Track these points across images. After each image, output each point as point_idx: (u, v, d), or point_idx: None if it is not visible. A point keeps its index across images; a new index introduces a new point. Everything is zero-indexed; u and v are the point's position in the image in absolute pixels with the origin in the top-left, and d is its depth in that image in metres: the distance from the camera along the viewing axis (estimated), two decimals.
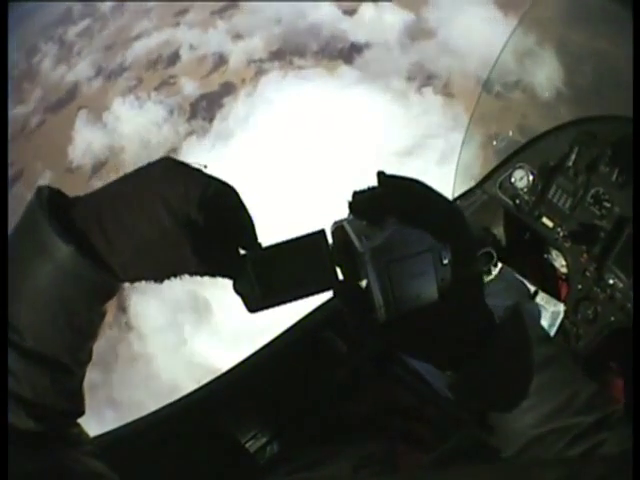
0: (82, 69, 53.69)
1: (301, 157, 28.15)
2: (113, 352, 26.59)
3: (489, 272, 2.69)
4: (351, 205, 1.31)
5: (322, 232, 1.36)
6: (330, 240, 1.37)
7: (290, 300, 1.35)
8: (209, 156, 33.91)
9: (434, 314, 1.25)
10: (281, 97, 34.78)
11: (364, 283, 1.26)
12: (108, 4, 68.15)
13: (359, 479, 1.79)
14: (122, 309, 29.05)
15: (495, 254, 1.32)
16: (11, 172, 44.87)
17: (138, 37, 53.98)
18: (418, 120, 30.12)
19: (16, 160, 46.58)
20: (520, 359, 1.31)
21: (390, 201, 1.28)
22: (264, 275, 1.30)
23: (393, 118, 30.58)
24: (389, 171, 1.32)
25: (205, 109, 40.54)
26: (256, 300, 1.31)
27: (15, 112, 54.42)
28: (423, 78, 34.07)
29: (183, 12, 56.44)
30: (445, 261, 1.24)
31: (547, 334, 1.54)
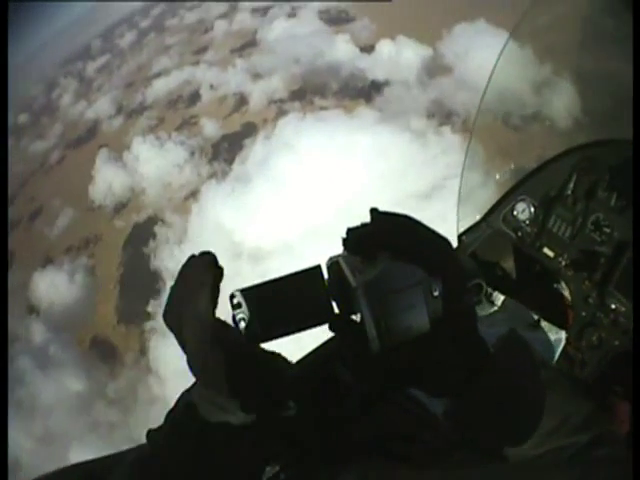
0: (102, 106, 54.38)
1: (319, 201, 28.11)
2: (132, 394, 26.81)
3: (479, 302, 2.64)
4: (345, 242, 1.31)
5: (318, 268, 1.36)
6: (326, 275, 1.38)
7: (287, 333, 1.36)
8: (229, 201, 34.13)
9: (427, 344, 1.25)
10: (299, 140, 35.19)
11: (358, 316, 1.27)
12: (127, 40, 69.19)
13: None
14: (142, 352, 29.21)
15: (485, 285, 1.26)
16: (29, 208, 45.35)
17: (158, 75, 54.72)
18: (437, 161, 30.27)
19: (35, 196, 47.09)
20: (515, 385, 1.30)
21: (382, 237, 1.29)
22: (263, 309, 1.32)
23: (412, 159, 30.66)
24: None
25: (227, 150, 40.94)
26: (255, 333, 1.32)
27: (34, 147, 55.09)
28: (442, 116, 34.15)
29: (202, 50, 57.27)
30: (436, 293, 1.24)
31: (543, 358, 1.48)
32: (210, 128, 43.67)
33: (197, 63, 54.27)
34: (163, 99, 51.17)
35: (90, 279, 36.37)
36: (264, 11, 58.49)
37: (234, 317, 1.30)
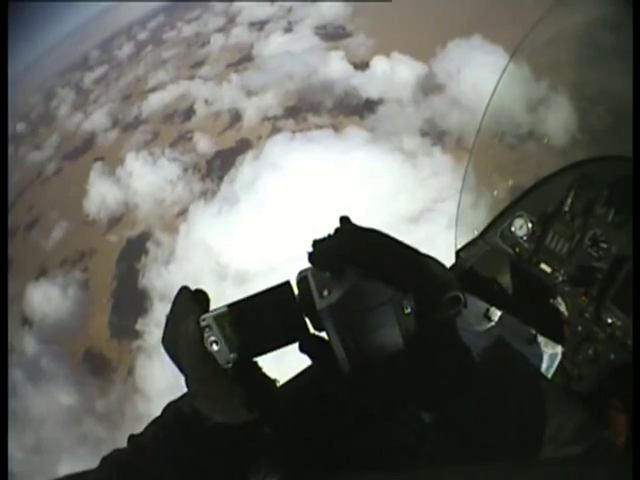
0: (98, 119, 54.49)
1: (306, 223, 27.96)
2: (119, 411, 26.86)
3: (458, 314, 2.67)
4: (310, 256, 1.27)
5: (287, 284, 1.32)
6: (296, 290, 1.33)
7: (260, 353, 1.35)
8: (216, 222, 34.12)
9: (403, 361, 1.22)
10: (288, 161, 35.19)
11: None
12: (125, 52, 69.41)
13: None
14: (129, 371, 29.26)
15: (463, 297, 1.24)
16: (27, 218, 45.44)
17: (154, 89, 54.84)
18: (427, 183, 30.23)
19: (32, 205, 47.20)
20: (504, 395, 1.27)
21: (347, 253, 1.26)
22: (233, 330, 1.30)
23: (402, 181, 30.63)
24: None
25: (220, 167, 40.94)
26: (224, 354, 1.30)
27: (32, 157, 55.23)
28: (435, 135, 34.09)
29: (199, 64, 57.38)
30: (407, 310, 1.19)
31: (534, 367, 1.52)
32: (204, 144, 43.74)
33: (193, 77, 54.41)
34: (158, 113, 51.27)
35: (83, 293, 36.39)
36: (261, 25, 58.79)
37: (206, 339, 1.29)
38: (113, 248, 39.09)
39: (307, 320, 1.32)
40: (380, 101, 39.34)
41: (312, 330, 1.33)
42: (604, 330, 2.76)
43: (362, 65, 43.47)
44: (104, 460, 1.31)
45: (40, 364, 29.90)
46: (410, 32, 43.90)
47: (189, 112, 49.24)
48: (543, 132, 3.42)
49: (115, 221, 41.85)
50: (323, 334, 1.26)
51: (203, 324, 1.29)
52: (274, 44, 53.51)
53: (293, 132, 39.39)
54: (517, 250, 3.08)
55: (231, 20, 63.94)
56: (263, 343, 1.33)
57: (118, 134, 51.57)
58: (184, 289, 1.34)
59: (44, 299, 35.79)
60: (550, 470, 1.01)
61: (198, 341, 1.27)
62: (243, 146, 41.50)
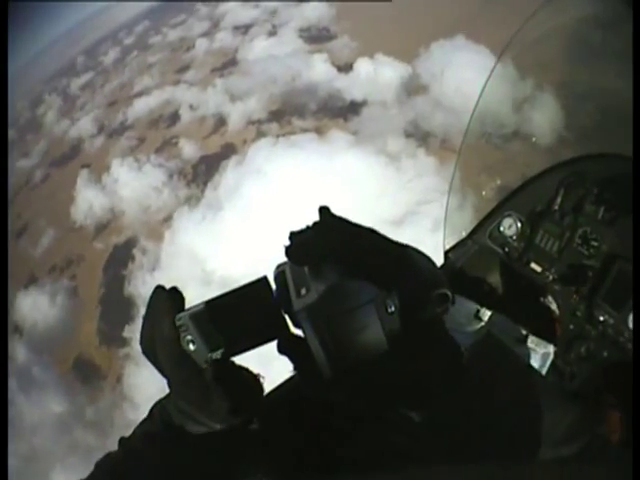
0: (85, 125, 54.29)
1: (289, 228, 27.67)
2: (109, 419, 26.80)
3: (445, 312, 2.68)
4: (287, 251, 1.21)
5: (264, 280, 1.26)
6: (274, 286, 1.28)
7: (238, 352, 1.29)
8: (200, 228, 34.13)
9: (387, 363, 1.15)
10: (271, 166, 35.03)
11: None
12: (110, 58, 69.21)
13: None
14: (117, 379, 29.22)
15: (451, 294, 1.17)
16: (16, 225, 45.25)
17: (139, 94, 54.69)
18: (411, 185, 30.13)
19: (21, 213, 46.98)
20: (494, 391, 1.22)
21: (325, 248, 1.19)
22: (209, 329, 1.25)
23: (386, 185, 30.55)
24: None
25: (205, 173, 40.90)
26: (202, 354, 1.25)
27: (19, 165, 54.99)
28: (419, 137, 33.99)
29: (184, 69, 57.23)
30: (391, 309, 1.12)
31: (525, 365, 1.47)
32: (189, 149, 43.60)
33: (178, 82, 54.27)
34: (144, 119, 51.10)
35: (72, 300, 36.26)
36: (245, 29, 58.67)
37: (183, 339, 1.25)
38: (100, 255, 38.92)
39: (287, 317, 1.27)
40: (364, 103, 39.27)
41: (293, 328, 1.27)
42: (596, 328, 2.75)
43: (346, 67, 43.39)
44: (98, 466, 1.31)
45: (31, 373, 29.86)
46: (394, 33, 43.80)
47: (174, 117, 49.08)
48: (530, 131, 3.38)
49: (102, 228, 41.70)
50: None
51: (179, 323, 1.25)
52: (258, 48, 53.50)
53: (277, 137, 39.21)
54: (506, 250, 3.06)
55: (215, 24, 63.82)
56: (241, 341, 1.28)
57: (104, 140, 51.40)
58: (158, 289, 1.30)
59: (34, 307, 35.67)
60: (548, 470, 0.98)
61: (174, 341, 1.24)
62: (228, 151, 41.37)
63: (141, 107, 52.64)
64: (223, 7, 67.13)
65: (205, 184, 39.18)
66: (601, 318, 2.71)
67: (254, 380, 1.39)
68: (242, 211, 32.97)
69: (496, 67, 3.14)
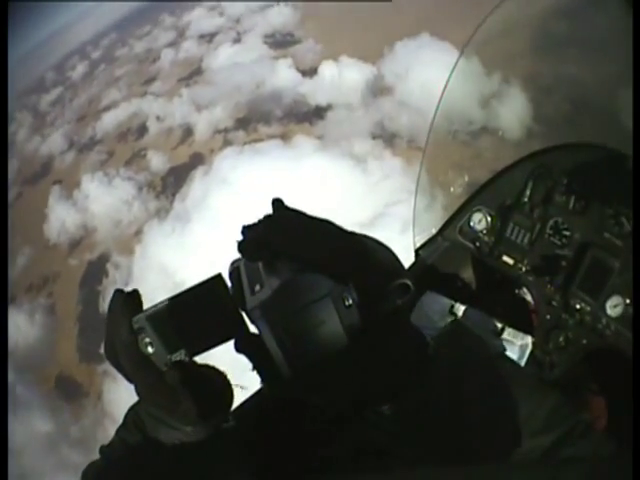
0: (55, 141, 53.95)
1: None
2: (93, 436, 26.75)
3: (408, 303, 2.66)
4: (239, 246, 1.16)
5: (219, 277, 1.22)
6: (229, 283, 1.24)
7: (198, 352, 1.25)
8: (169, 241, 34.12)
9: (347, 357, 1.10)
10: (236, 175, 34.78)
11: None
12: (78, 72, 68.82)
13: None
14: (98, 396, 29.20)
15: (411, 284, 1.10)
16: None
17: (107, 108, 54.43)
18: (378, 187, 30.02)
19: None
20: (462, 381, 1.15)
21: (276, 242, 1.13)
22: (166, 330, 1.21)
23: (352, 187, 30.44)
24: None
25: (173, 184, 40.82)
26: (160, 356, 1.21)
27: None
28: (386, 138, 33.92)
29: (151, 80, 56.96)
30: (349, 302, 1.08)
31: (499, 352, 1.38)
32: (158, 161, 43.38)
33: (144, 94, 54.03)
34: (112, 132, 50.85)
35: (50, 318, 36.11)
36: (210, 37, 58.42)
37: (141, 342, 1.21)
38: (76, 272, 38.69)
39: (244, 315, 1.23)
40: (329, 107, 39.19)
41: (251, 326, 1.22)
42: (573, 316, 2.76)
43: (311, 72, 43.30)
44: (84, 475, 1.30)
45: (15, 392, 29.78)
46: (359, 34, 43.81)
47: (142, 130, 48.88)
48: (497, 126, 3.34)
49: (75, 244, 41.47)
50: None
51: (136, 326, 1.21)
52: (223, 56, 53.32)
53: (243, 145, 39.11)
54: (477, 244, 3.05)
55: (181, 34, 63.54)
56: (199, 341, 1.24)
57: (75, 156, 51.07)
58: (116, 292, 1.27)
59: (13, 327, 35.54)
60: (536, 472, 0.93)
61: (133, 345, 1.20)
62: (196, 161, 41.23)
63: (109, 121, 52.35)
64: (188, 16, 67.03)
65: (174, 195, 39.03)
66: (577, 306, 2.74)
67: (221, 378, 1.35)
68: (210, 222, 32.76)
69: (461, 62, 3.13)
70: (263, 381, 1.21)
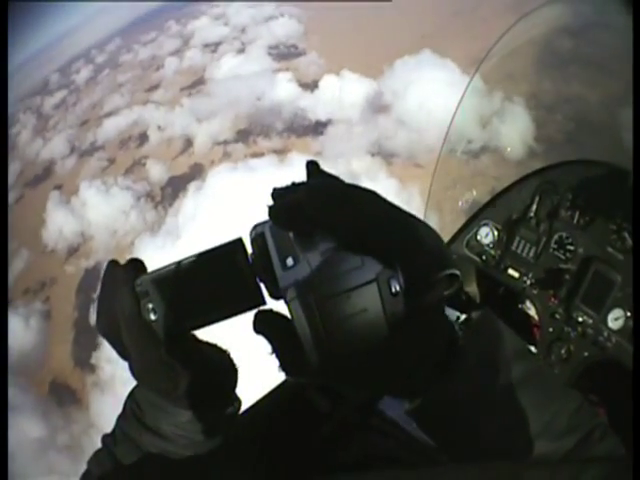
0: (57, 145, 53.99)
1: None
2: (79, 446, 26.68)
3: (451, 296, 2.51)
4: (271, 211, 1.00)
5: (239, 242, 1.09)
6: (250, 249, 1.09)
7: (206, 323, 1.13)
8: (160, 256, 33.54)
9: (381, 348, 0.96)
10: (229, 192, 34.80)
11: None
12: (83, 76, 68.96)
13: None
14: (85, 407, 29.15)
15: (461, 275, 0.99)
16: None
17: (109, 114, 54.49)
18: None
19: None
20: (492, 377, 1.05)
21: (318, 213, 0.96)
22: (173, 296, 1.10)
23: None
24: None
25: (171, 196, 40.89)
26: (167, 325, 1.11)
27: None
28: (384, 155, 33.96)
29: (154, 88, 57.07)
30: (395, 289, 0.93)
31: (525, 348, 1.06)
32: (157, 171, 43.41)
33: (147, 102, 54.17)
34: (114, 139, 50.91)
35: (46, 323, 36.06)
36: (215, 47, 58.66)
37: (143, 307, 1.10)
38: (72, 278, 38.73)
39: (263, 286, 1.10)
40: (329, 122, 39.29)
41: (269, 299, 1.11)
42: (575, 329, 2.79)
43: (312, 85, 43.47)
44: (89, 463, 1.26)
45: (8, 397, 29.69)
46: (361, 49, 43.99)
47: (143, 138, 48.96)
48: (500, 145, 3.37)
49: (73, 251, 41.49)
50: (283, 306, 1.00)
51: (139, 289, 1.10)
52: (226, 66, 53.66)
53: (237, 161, 39.09)
54: (484, 258, 3.07)
55: (185, 42, 63.71)
56: (209, 311, 1.12)
57: (76, 161, 51.14)
58: (112, 261, 1.17)
59: (9, 331, 35.49)
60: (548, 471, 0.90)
61: (134, 310, 1.10)
62: (195, 172, 41.30)
63: (111, 127, 52.43)
64: (193, 24, 67.39)
65: (171, 206, 39.07)
66: (580, 319, 2.75)
67: (225, 357, 1.26)
68: (197, 240, 32.83)
69: (464, 80, 3.09)
70: (283, 366, 1.04)
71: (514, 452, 1.04)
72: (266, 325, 1.04)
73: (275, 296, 1.08)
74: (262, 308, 1.08)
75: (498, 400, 1.04)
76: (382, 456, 2.08)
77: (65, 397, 30.59)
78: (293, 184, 1.04)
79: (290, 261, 0.99)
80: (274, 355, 1.03)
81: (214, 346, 1.26)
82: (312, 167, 1.11)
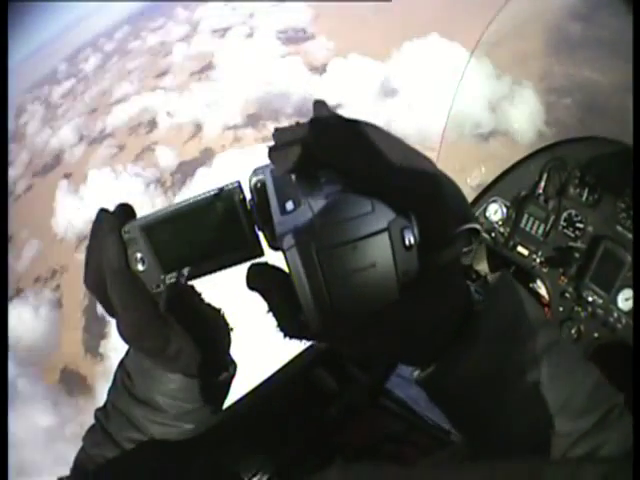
0: (66, 134, 54.23)
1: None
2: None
3: (469, 254, 2.42)
4: (271, 152, 0.86)
5: (237, 186, 1.01)
6: (249, 195, 1.00)
7: (198, 275, 1.05)
8: None
9: (391, 311, 0.84)
10: (239, 175, 34.42)
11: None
12: (91, 64, 69.12)
13: None
14: (93, 397, 29.45)
15: (481, 230, 0.89)
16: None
17: (119, 101, 54.67)
18: None
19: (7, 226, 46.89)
20: (509, 347, 0.93)
21: (326, 151, 0.82)
22: (164, 245, 1.02)
23: None
24: None
25: (181, 181, 41.00)
26: (156, 276, 1.03)
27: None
28: None
29: (162, 74, 57.18)
30: (410, 242, 0.78)
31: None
32: (167, 157, 43.55)
33: (155, 89, 54.30)
34: (123, 126, 51.06)
35: (57, 311, 36.36)
36: (223, 32, 58.74)
37: (131, 256, 1.02)
38: (83, 266, 39.15)
39: (262, 236, 1.02)
40: (338, 105, 39.25)
41: (268, 250, 1.02)
42: (585, 309, 2.78)
43: (321, 69, 43.47)
44: (84, 439, 1.23)
45: (18, 387, 29.96)
46: (371, 32, 43.88)
47: (152, 124, 49.10)
48: (508, 128, 3.39)
49: (83, 238, 41.72)
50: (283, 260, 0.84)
51: (127, 237, 1.01)
52: (235, 51, 53.63)
53: (245, 146, 39.26)
54: (493, 235, 3.07)
55: (194, 28, 63.87)
56: (202, 261, 1.03)
57: (85, 149, 51.37)
58: (101, 209, 1.07)
59: (20, 320, 35.76)
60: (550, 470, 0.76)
61: (121, 259, 1.01)
62: (204, 157, 41.38)
63: (121, 114, 52.61)
64: (202, 10, 67.41)
65: (181, 191, 39.20)
66: (590, 299, 2.74)
67: (218, 315, 1.20)
68: None
69: (472, 64, 3.05)
70: (281, 326, 0.91)
71: (531, 430, 0.94)
72: (261, 280, 0.91)
73: (274, 247, 0.99)
74: (257, 261, 0.96)
75: (517, 371, 0.93)
76: (390, 436, 2.04)
77: (75, 386, 30.83)
78: (297, 124, 0.88)
79: (290, 205, 0.85)
80: (271, 314, 0.91)
81: (206, 303, 1.19)
82: (319, 106, 0.92)
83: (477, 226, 0.87)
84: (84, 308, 35.38)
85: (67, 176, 47.76)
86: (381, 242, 0.77)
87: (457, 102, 3.16)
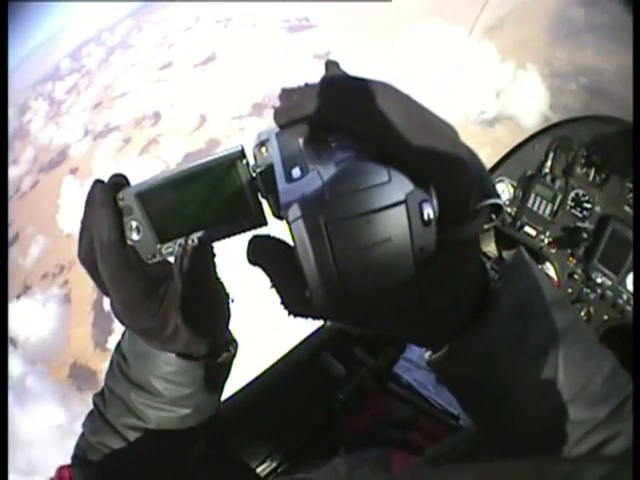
0: (71, 129, 54.44)
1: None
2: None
3: (489, 230, 2.31)
4: (277, 113, 0.78)
5: (240, 152, 0.93)
6: (252, 160, 0.93)
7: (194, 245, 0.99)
8: None
9: (405, 289, 0.75)
10: None
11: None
12: (94, 59, 69.23)
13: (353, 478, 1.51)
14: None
15: (504, 206, 0.84)
16: (9, 235, 45.43)
17: (122, 95, 54.79)
18: None
19: (11, 222, 47.08)
20: (525, 328, 0.86)
21: (338, 113, 0.71)
22: (162, 213, 0.96)
23: None
24: None
25: None
26: (148, 245, 0.98)
27: (10, 173, 55.08)
28: None
29: (167, 66, 57.26)
30: (428, 216, 0.68)
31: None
32: (173, 148, 43.73)
33: (159, 81, 54.40)
34: (128, 119, 51.23)
35: (66, 306, 36.54)
36: (226, 22, 58.83)
37: (125, 225, 0.97)
38: None
39: (265, 205, 0.95)
40: None
41: (272, 219, 0.95)
42: (595, 290, 2.75)
43: (324, 57, 43.40)
44: (84, 425, 1.22)
45: (26, 384, 30.12)
46: (373, 19, 43.82)
47: (157, 116, 49.24)
48: (513, 113, 3.44)
49: None
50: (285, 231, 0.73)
51: (121, 204, 0.95)
52: (239, 41, 53.73)
53: (248, 137, 39.39)
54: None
55: (197, 19, 63.98)
56: (202, 230, 0.97)
57: (90, 144, 51.55)
58: (96, 180, 0.99)
59: (28, 317, 35.96)
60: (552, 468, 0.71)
61: (114, 228, 0.95)
62: (210, 148, 41.44)
63: (125, 107, 52.87)
64: (204, 2, 67.19)
65: None
66: (599, 280, 2.72)
67: (218, 291, 1.11)
68: None
69: (477, 50, 3.09)
70: (285, 303, 0.82)
71: (545, 416, 0.88)
72: (263, 254, 0.83)
73: (279, 216, 0.90)
74: (258, 233, 0.86)
75: (534, 354, 0.86)
76: (398, 421, 2.02)
77: (84, 382, 30.97)
78: (306, 84, 0.78)
79: (297, 172, 0.74)
80: (274, 290, 0.82)
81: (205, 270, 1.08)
82: (331, 66, 0.85)
83: (500, 201, 0.77)
84: (92, 303, 35.58)
85: (73, 171, 47.97)
86: (397, 215, 0.67)
87: (461, 87, 3.20)
